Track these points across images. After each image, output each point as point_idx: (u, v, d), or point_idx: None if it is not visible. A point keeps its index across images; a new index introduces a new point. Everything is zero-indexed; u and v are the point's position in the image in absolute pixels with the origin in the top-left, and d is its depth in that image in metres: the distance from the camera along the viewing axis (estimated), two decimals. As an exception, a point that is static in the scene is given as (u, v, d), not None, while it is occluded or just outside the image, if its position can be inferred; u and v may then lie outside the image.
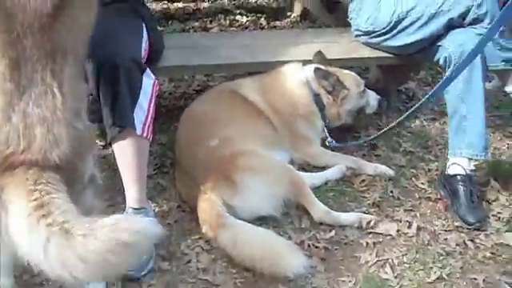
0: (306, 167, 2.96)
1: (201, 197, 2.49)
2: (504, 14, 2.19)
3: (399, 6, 2.94)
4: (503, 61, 2.81)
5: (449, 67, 2.83)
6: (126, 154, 2.34)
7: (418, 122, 3.45)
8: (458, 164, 2.80)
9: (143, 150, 2.38)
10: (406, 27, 2.96)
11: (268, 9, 4.56)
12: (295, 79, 2.97)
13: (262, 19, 4.43)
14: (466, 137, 2.79)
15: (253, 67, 3.07)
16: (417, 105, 2.62)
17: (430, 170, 3.03)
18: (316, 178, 2.85)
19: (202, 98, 3.03)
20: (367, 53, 3.16)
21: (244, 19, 4.40)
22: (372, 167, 2.95)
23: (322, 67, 2.96)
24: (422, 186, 2.91)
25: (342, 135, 3.13)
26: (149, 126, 2.36)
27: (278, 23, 4.40)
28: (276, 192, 2.57)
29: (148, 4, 4.45)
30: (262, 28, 4.30)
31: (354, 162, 2.96)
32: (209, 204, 2.45)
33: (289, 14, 4.56)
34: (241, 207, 2.51)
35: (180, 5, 4.67)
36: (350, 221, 2.59)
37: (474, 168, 2.83)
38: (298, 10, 4.52)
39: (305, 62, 3.01)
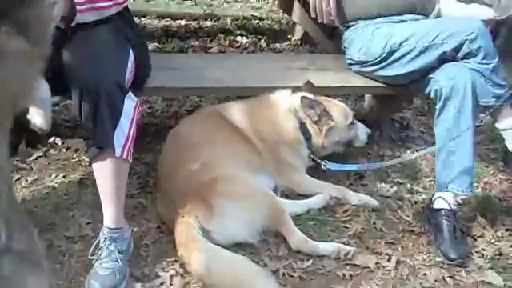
0: (289, 194, 2.96)
1: (178, 219, 2.50)
2: None
3: (392, 38, 2.95)
4: (494, 97, 2.79)
5: (439, 100, 2.82)
6: (104, 174, 2.37)
7: (409, 152, 3.43)
8: (444, 198, 2.79)
9: (122, 171, 2.40)
10: (399, 58, 2.96)
11: (269, 31, 4.59)
12: (282, 107, 2.98)
13: (263, 41, 4.45)
14: (452, 172, 2.78)
15: (239, 92, 3.10)
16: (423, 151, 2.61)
17: (416, 203, 3.02)
18: (298, 205, 2.85)
19: (188, 119, 3.06)
20: (360, 82, 3.16)
21: (244, 40, 4.43)
22: (356, 197, 2.95)
23: (310, 96, 2.96)
24: (407, 219, 2.89)
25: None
26: (129, 148, 2.38)
27: (278, 45, 4.42)
28: (254, 218, 2.58)
29: (149, 20, 4.54)
30: (262, 50, 4.32)
31: (338, 190, 2.95)
32: (185, 227, 2.46)
33: (289, 37, 4.58)
34: (217, 232, 2.51)
35: (182, 22, 4.70)
36: (328, 251, 2.58)
37: (460, 203, 2.83)
38: (298, 33, 4.55)
39: (295, 89, 3.00)
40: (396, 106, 3.54)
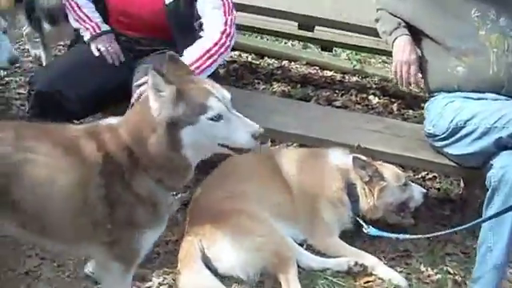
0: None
1: (186, 236, 2.74)
2: None
3: (460, 114, 2.85)
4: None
5: (489, 189, 2.64)
6: None
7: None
8: None
9: None
10: (464, 137, 2.85)
11: (407, 96, 4.53)
12: (332, 164, 3.04)
13: (395, 105, 4.43)
14: (485, 269, 2.57)
15: (302, 140, 3.24)
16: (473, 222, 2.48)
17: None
18: (315, 260, 2.88)
19: (246, 154, 3.25)
20: (429, 156, 3.05)
21: (375, 100, 4.46)
22: (386, 271, 2.86)
23: (362, 157, 2.97)
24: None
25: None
26: None
27: (410, 112, 4.35)
28: (254, 259, 2.70)
29: (297, 66, 4.82)
30: (390, 113, 4.31)
31: (368, 259, 2.89)
32: (188, 245, 2.72)
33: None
34: (215, 261, 2.71)
35: (329, 73, 4.90)
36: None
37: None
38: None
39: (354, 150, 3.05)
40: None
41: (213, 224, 2.73)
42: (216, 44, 2.83)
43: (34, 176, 1.99)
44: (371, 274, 2.87)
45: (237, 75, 4.69)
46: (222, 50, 2.85)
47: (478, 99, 2.90)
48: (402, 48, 3.07)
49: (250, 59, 5.04)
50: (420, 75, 3.15)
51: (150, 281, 2.68)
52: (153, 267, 2.77)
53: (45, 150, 2.02)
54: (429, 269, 2.98)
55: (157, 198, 2.09)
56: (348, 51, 5.17)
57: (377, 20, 3.26)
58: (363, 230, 2.94)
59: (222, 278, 2.69)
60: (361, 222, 2.98)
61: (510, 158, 2.62)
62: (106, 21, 3.14)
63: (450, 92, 3.00)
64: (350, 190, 3.01)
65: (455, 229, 2.52)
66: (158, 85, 1.94)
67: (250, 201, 2.86)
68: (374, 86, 4.74)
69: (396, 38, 3.09)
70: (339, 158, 3.05)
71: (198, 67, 2.74)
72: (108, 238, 2.11)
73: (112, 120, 2.16)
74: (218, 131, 1.98)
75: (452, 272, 2.97)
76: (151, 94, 1.97)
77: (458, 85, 2.97)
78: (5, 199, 1.99)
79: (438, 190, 3.62)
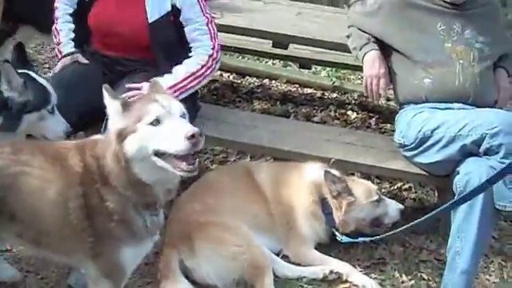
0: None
1: (164, 248, 2.85)
2: None
3: (426, 125, 2.98)
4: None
5: (456, 196, 2.75)
6: None
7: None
8: None
9: None
10: (431, 146, 2.97)
11: (385, 111, 4.65)
12: (306, 178, 3.14)
13: (373, 120, 4.55)
14: (454, 276, 2.69)
15: (275, 153, 3.34)
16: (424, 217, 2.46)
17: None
18: (291, 269, 2.99)
19: (223, 168, 3.39)
20: (401, 166, 3.17)
21: (354, 116, 4.59)
22: (361, 279, 2.95)
23: (334, 172, 3.08)
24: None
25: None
26: None
27: (388, 126, 4.46)
28: (231, 269, 2.80)
29: (278, 84, 4.95)
30: (368, 127, 4.43)
31: (344, 267, 2.99)
32: (167, 256, 2.82)
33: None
34: (194, 271, 2.82)
35: (309, 90, 5.03)
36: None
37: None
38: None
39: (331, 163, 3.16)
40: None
41: (190, 236, 2.84)
42: (203, 67, 3.04)
43: (28, 187, 2.12)
44: (346, 281, 2.97)
45: (218, 94, 4.81)
46: (208, 72, 3.07)
47: (445, 109, 3.02)
48: (371, 63, 3.21)
49: (231, 78, 5.17)
50: (390, 88, 3.27)
51: None
52: (134, 278, 2.84)
53: (38, 163, 2.15)
54: (403, 275, 3.07)
55: (128, 215, 2.15)
56: (328, 68, 5.32)
57: (348, 36, 3.40)
58: (337, 238, 3.04)
59: (201, 287, 2.79)
60: (335, 231, 3.08)
61: (474, 164, 2.74)
62: (88, 42, 3.26)
63: (418, 103, 3.13)
64: (324, 203, 3.11)
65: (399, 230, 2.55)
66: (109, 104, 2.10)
67: (226, 213, 2.96)
68: (353, 102, 4.87)
69: (366, 54, 3.23)
70: (314, 172, 3.15)
71: (182, 86, 2.96)
72: (92, 251, 2.19)
73: (99, 135, 2.30)
74: (154, 136, 1.97)
75: (426, 278, 3.07)
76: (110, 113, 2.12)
77: (425, 96, 3.09)
78: (3, 210, 2.12)
79: (414, 200, 3.73)
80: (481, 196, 2.59)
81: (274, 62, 5.52)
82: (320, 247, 3.13)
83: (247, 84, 5.10)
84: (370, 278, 2.99)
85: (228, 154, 4.00)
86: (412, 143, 3.06)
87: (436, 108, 3.05)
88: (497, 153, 2.68)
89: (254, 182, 3.16)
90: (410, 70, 3.16)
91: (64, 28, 3.22)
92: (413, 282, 3.04)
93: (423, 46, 3.13)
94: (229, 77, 5.19)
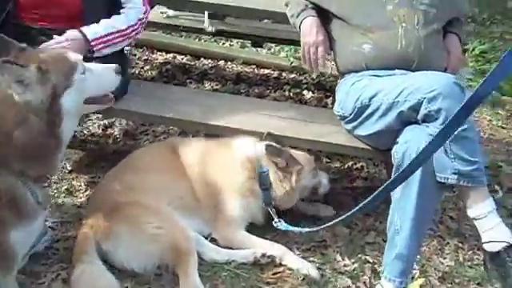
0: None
1: (81, 229, 2.64)
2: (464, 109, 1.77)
3: (364, 93, 2.75)
4: (455, 174, 2.41)
5: (394, 167, 2.53)
6: None
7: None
8: (382, 285, 2.48)
9: None
10: (369, 116, 2.76)
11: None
12: (241, 154, 2.93)
13: (330, 98, 4.33)
14: (391, 254, 2.50)
15: (206, 128, 3.13)
16: (365, 201, 2.21)
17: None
18: (219, 252, 2.78)
19: (148, 146, 3.27)
20: (342, 140, 2.95)
21: (309, 95, 4.36)
22: (296, 262, 2.74)
23: (274, 144, 2.86)
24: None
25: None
26: None
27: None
28: (150, 252, 2.60)
29: (233, 65, 4.73)
30: (325, 106, 4.19)
31: (277, 250, 2.78)
32: (82, 238, 2.61)
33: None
34: (111, 254, 2.60)
35: (266, 71, 4.81)
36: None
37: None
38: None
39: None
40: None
41: (107, 216, 2.62)
42: (130, 27, 3.01)
43: None
44: (280, 265, 2.76)
45: (168, 76, 4.61)
46: (133, 34, 3.04)
47: (386, 76, 2.79)
48: (308, 30, 2.98)
49: (184, 60, 4.95)
50: (328, 57, 3.05)
51: (45, 277, 2.59)
52: (51, 263, 2.68)
53: None
54: (346, 259, 2.88)
55: (16, 194, 2.02)
56: (287, 48, 5.09)
57: (286, 4, 3.17)
58: (273, 223, 2.82)
59: (120, 272, 2.58)
60: (272, 213, 2.87)
61: (412, 132, 2.53)
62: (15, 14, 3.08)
63: (358, 72, 2.90)
64: (262, 178, 2.90)
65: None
66: (16, 76, 1.91)
67: (146, 192, 2.74)
68: (310, 82, 4.64)
69: (302, 21, 3.00)
70: (247, 147, 2.95)
71: (107, 40, 2.91)
72: None
73: None
74: (89, 83, 2.07)
75: (371, 261, 2.88)
76: (14, 90, 1.94)
77: (365, 63, 2.88)
78: None
79: (365, 179, 3.51)
80: (417, 172, 2.37)
81: (232, 43, 5.30)
82: (255, 230, 2.93)
83: (200, 66, 4.89)
84: (309, 261, 2.79)
85: (169, 134, 3.79)
86: (350, 114, 2.84)
87: (376, 76, 2.82)
88: (436, 119, 2.45)
89: (178, 162, 2.93)
90: (349, 35, 2.93)
91: None
92: (356, 265, 2.85)
93: (362, 9, 2.90)
94: (182, 59, 4.96)
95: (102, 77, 2.15)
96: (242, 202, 2.87)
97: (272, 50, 5.20)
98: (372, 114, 2.72)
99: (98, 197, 2.80)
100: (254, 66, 4.91)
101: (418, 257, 2.81)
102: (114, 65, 2.21)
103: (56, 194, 3.15)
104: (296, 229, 2.72)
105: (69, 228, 2.86)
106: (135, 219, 2.62)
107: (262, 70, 4.89)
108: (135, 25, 3.03)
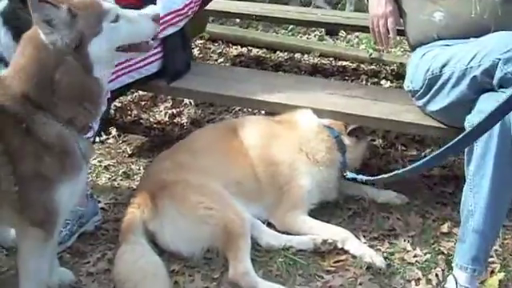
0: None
1: (129, 207, 2.55)
2: None
3: (434, 62, 2.49)
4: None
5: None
6: None
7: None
8: (455, 277, 2.22)
9: None
10: (441, 87, 2.48)
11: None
12: (311, 124, 2.78)
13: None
14: (468, 233, 2.22)
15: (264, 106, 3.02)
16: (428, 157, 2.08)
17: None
18: (276, 238, 2.59)
19: (207, 126, 3.17)
20: (414, 118, 2.69)
21: (387, 85, 4.09)
22: (361, 250, 2.51)
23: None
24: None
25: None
26: None
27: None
28: (199, 234, 2.47)
29: (311, 57, 4.56)
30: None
31: (340, 235, 2.55)
32: (129, 217, 2.50)
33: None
34: (157, 235, 2.49)
35: (344, 63, 4.59)
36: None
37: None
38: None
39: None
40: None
41: (156, 195, 2.51)
42: (186, 6, 2.98)
43: None
44: (343, 253, 2.53)
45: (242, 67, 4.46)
46: (189, 13, 3.02)
47: (459, 44, 2.51)
48: (376, 1, 2.76)
49: (260, 53, 4.83)
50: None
51: (90, 256, 2.53)
52: (98, 244, 2.62)
53: None
54: (417, 249, 2.61)
55: (67, 144, 1.96)
56: (365, 40, 4.83)
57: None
58: (344, 174, 2.75)
59: (169, 255, 2.47)
60: (344, 172, 2.74)
61: (488, 100, 2.23)
62: None
63: (429, 43, 2.63)
64: (338, 143, 2.79)
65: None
66: (46, 15, 1.84)
67: (198, 172, 2.59)
68: (390, 72, 4.37)
69: None
70: (312, 118, 2.80)
71: (165, 21, 2.87)
72: (18, 203, 1.94)
73: None
74: (121, 31, 1.98)
75: (446, 253, 2.58)
76: (42, 29, 1.87)
77: (437, 33, 2.61)
78: None
79: (443, 167, 3.20)
80: (495, 137, 2.09)
81: (310, 36, 5.11)
82: (321, 216, 2.72)
83: (276, 58, 4.74)
84: (375, 250, 2.55)
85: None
86: (421, 87, 2.58)
87: (448, 45, 2.54)
88: (514, 82, 2.15)
89: (239, 142, 2.77)
90: (419, 4, 2.67)
91: None
92: (428, 256, 2.57)
93: (433, -27, 2.63)
94: (258, 52, 4.84)
95: (138, 24, 2.04)
96: (317, 175, 2.72)
97: (351, 43, 4.96)
98: (444, 84, 2.45)
99: (148, 176, 2.71)
100: (332, 59, 4.70)
101: (500, 249, 2.54)
102: (151, 11, 2.11)
103: (113, 177, 3.10)
104: (363, 177, 2.52)
105: (121, 210, 2.76)
106: (184, 198, 2.48)
107: (340, 62, 4.67)
108: (190, 3, 3.00)
